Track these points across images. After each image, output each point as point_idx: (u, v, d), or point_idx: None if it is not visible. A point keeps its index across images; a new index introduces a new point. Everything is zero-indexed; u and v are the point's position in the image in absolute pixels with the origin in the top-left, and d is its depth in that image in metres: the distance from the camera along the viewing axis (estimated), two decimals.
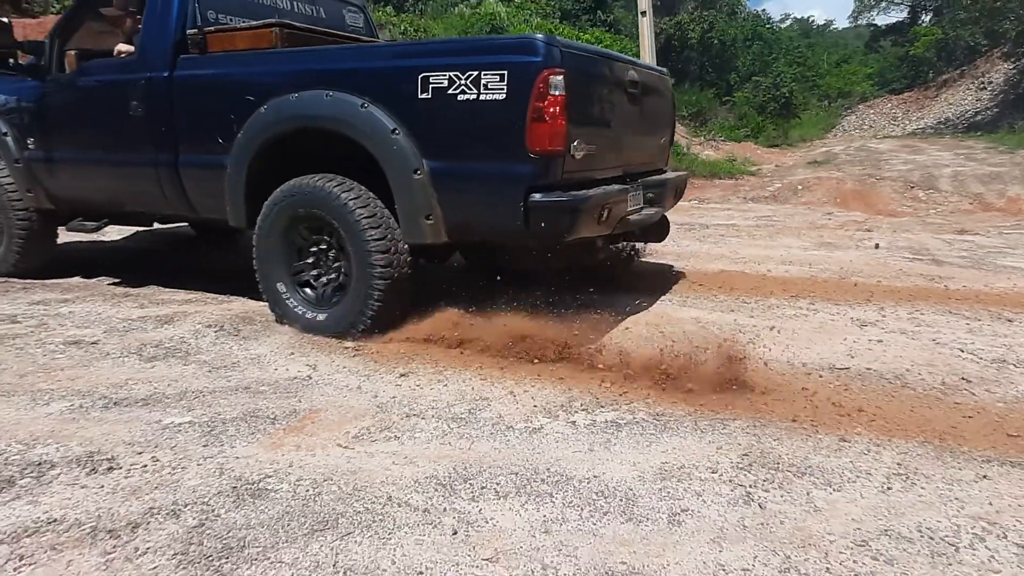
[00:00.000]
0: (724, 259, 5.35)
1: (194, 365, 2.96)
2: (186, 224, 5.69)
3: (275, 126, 3.35)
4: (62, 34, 4.22)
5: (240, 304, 3.87)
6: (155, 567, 1.60)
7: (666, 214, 4.27)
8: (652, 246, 4.85)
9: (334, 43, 3.95)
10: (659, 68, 4.59)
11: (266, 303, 3.53)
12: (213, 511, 1.83)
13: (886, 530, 1.75)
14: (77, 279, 4.51)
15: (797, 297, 4.15)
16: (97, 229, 4.44)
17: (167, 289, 4.23)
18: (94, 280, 4.48)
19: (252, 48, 3.59)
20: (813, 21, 52.34)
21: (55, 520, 1.78)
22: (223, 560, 1.62)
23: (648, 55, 14.30)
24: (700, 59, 29.31)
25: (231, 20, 3.91)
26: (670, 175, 4.33)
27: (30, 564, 1.61)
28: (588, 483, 1.99)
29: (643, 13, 14.06)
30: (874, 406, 2.52)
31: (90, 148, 4.13)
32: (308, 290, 3.43)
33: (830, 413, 2.45)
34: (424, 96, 2.98)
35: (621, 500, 1.90)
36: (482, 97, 2.87)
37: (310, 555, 1.65)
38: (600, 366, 2.92)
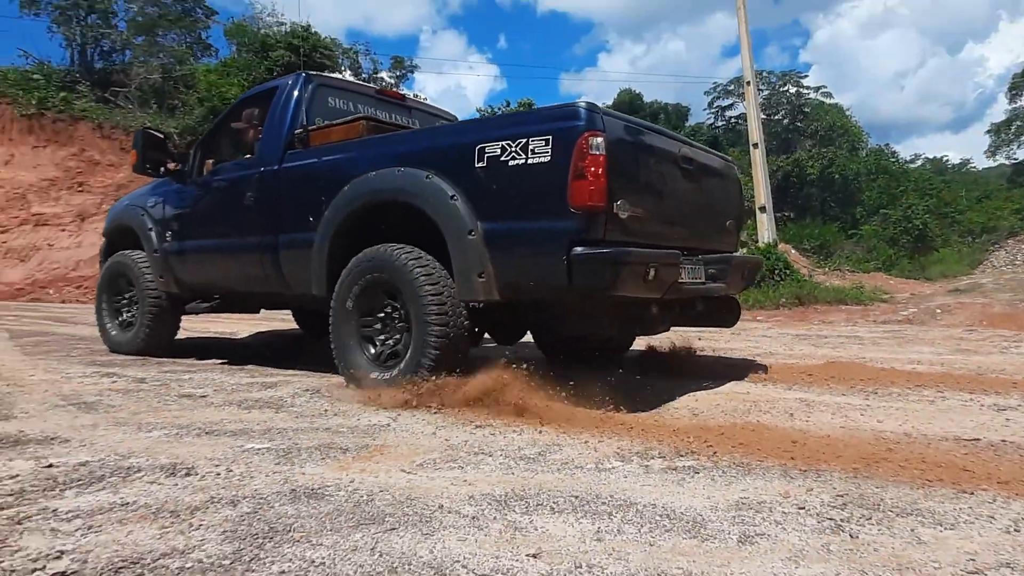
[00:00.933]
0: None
1: (284, 413, 3.09)
2: (296, 325, 6.24)
3: (354, 201, 3.72)
4: (202, 146, 4.98)
5: (340, 379, 4.04)
6: (203, 539, 1.61)
7: (736, 297, 4.23)
8: (759, 347, 4.67)
9: None
10: (724, 155, 4.65)
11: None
12: (268, 503, 1.85)
13: (1008, 563, 1.44)
14: (192, 359, 4.94)
15: (923, 387, 3.74)
16: (210, 309, 4.99)
17: (277, 369, 4.51)
18: (208, 361, 4.88)
19: (343, 139, 4.09)
20: (948, 160, 50.54)
21: (127, 504, 1.86)
22: (266, 539, 1.61)
23: (762, 187, 14.40)
24: (821, 194, 28.96)
25: None
26: (736, 255, 4.21)
27: (96, 532, 1.68)
28: (653, 508, 1.82)
29: (755, 145, 14.33)
30: (1008, 471, 2.15)
31: (210, 237, 4.71)
32: (374, 351, 3.63)
33: (951, 471, 2.12)
34: (480, 165, 3.23)
35: (687, 522, 1.71)
36: (530, 161, 3.07)
37: (351, 541, 1.60)
38: (685, 429, 2.74)
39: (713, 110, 39.79)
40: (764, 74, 35.41)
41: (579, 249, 2.94)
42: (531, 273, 3.17)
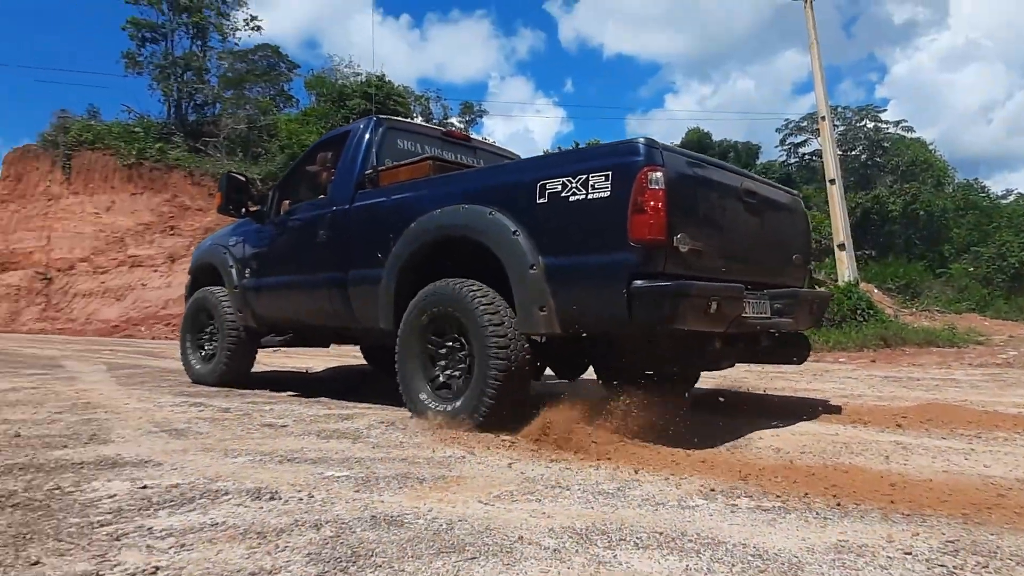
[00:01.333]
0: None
1: (361, 443, 3.13)
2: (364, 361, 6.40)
3: (421, 236, 3.82)
4: (280, 188, 5.25)
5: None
6: (288, 560, 1.64)
7: (804, 334, 4.13)
8: (844, 389, 4.45)
9: None
10: (790, 190, 4.56)
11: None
12: (350, 528, 1.86)
13: None
14: (271, 391, 5.10)
15: None
16: (284, 343, 5.21)
17: (351, 402, 4.60)
18: (286, 393, 5.02)
19: (411, 179, 4.22)
20: None
21: (216, 524, 1.92)
22: (350, 563, 1.62)
23: (840, 223, 13.90)
24: (904, 231, 27.64)
25: None
26: (805, 291, 4.10)
27: (188, 550, 1.73)
28: (743, 547, 1.73)
29: (831, 181, 13.90)
30: None
31: (285, 273, 4.92)
32: (438, 383, 3.69)
33: None
34: (541, 201, 3.28)
35: (783, 563, 1.62)
36: (590, 196, 3.10)
37: (432, 568, 1.59)
38: (771, 468, 2.62)
39: (785, 147, 39.00)
40: (839, 109, 34.51)
41: (639, 282, 2.92)
42: (591, 306, 3.15)
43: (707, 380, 5.54)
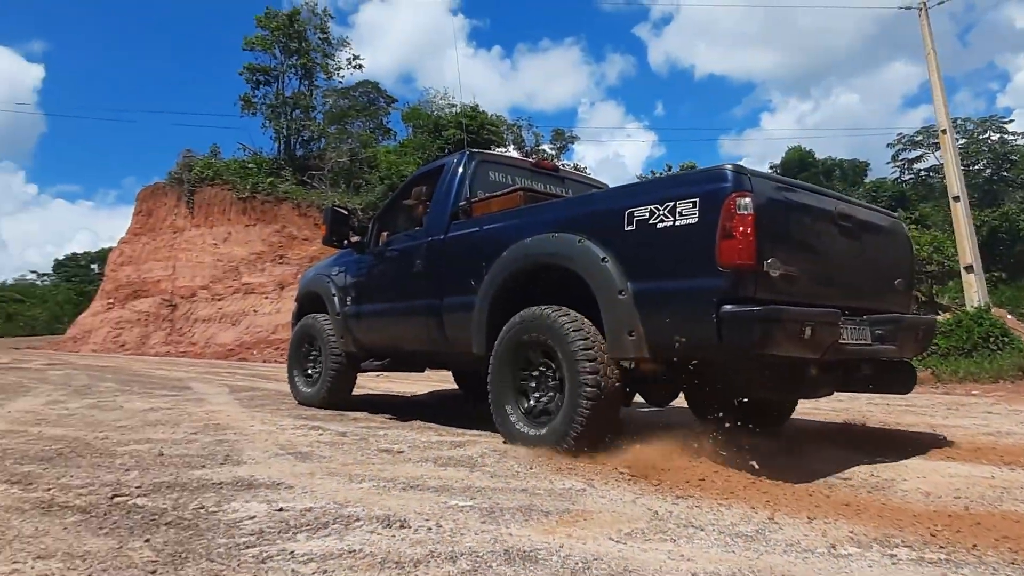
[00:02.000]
0: None
1: (479, 472, 3.13)
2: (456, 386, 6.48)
3: (512, 264, 3.92)
4: (378, 220, 5.48)
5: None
6: None
7: (911, 362, 4.01)
8: (987, 425, 4.06)
9: None
10: (890, 212, 4.44)
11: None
12: (486, 563, 1.84)
13: None
14: (384, 416, 5.22)
15: None
16: (382, 368, 5.40)
17: (459, 428, 4.62)
18: (395, 418, 5.12)
19: (502, 209, 4.34)
20: None
21: (353, 551, 1.95)
22: None
23: (967, 244, 12.89)
24: None
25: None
26: (908, 316, 3.90)
27: None
28: None
29: (955, 198, 12.94)
30: None
31: (384, 301, 5.16)
32: (529, 407, 3.77)
33: None
34: (629, 228, 3.33)
35: None
36: (678, 223, 3.12)
37: None
38: (925, 515, 2.39)
39: (898, 163, 36.77)
40: (959, 121, 32.30)
41: (728, 307, 2.89)
42: (680, 331, 3.12)
43: (831, 413, 5.23)
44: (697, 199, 3.07)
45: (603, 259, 3.38)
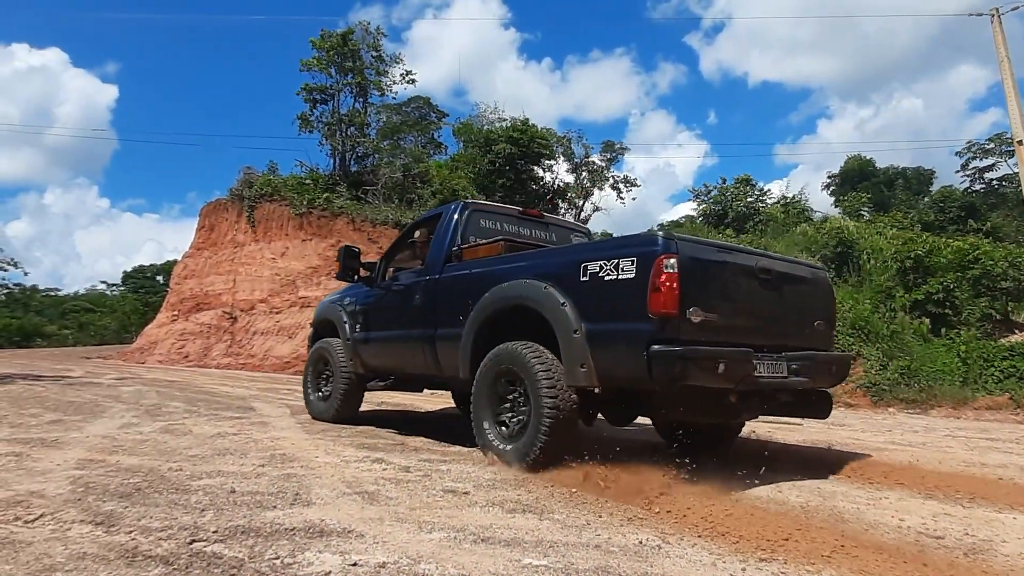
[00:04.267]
0: None
1: (548, 521, 3.07)
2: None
3: (492, 304, 4.65)
4: (387, 256, 6.32)
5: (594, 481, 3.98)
6: None
7: (827, 392, 4.65)
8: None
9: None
10: (814, 264, 5.27)
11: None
12: None
13: None
14: (423, 440, 5.42)
15: None
16: (386, 388, 6.15)
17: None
18: (438, 445, 5.15)
19: (486, 256, 5.12)
20: None
21: None
22: None
23: None
24: None
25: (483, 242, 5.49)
26: (823, 353, 4.51)
27: None
28: None
29: None
30: None
31: (387, 329, 5.94)
32: (502, 427, 4.44)
33: None
34: (584, 279, 4.03)
35: None
36: (620, 277, 3.82)
37: None
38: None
39: (968, 172, 35.17)
40: None
41: (656, 347, 3.57)
42: (620, 365, 3.83)
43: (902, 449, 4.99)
44: (635, 259, 3.77)
45: (563, 303, 4.08)
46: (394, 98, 33.51)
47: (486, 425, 4.49)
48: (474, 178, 30.64)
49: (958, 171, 36.16)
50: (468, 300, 4.82)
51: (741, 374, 3.78)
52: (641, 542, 2.73)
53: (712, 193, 23.22)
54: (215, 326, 27.01)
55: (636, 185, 39.58)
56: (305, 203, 27.49)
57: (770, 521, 3.05)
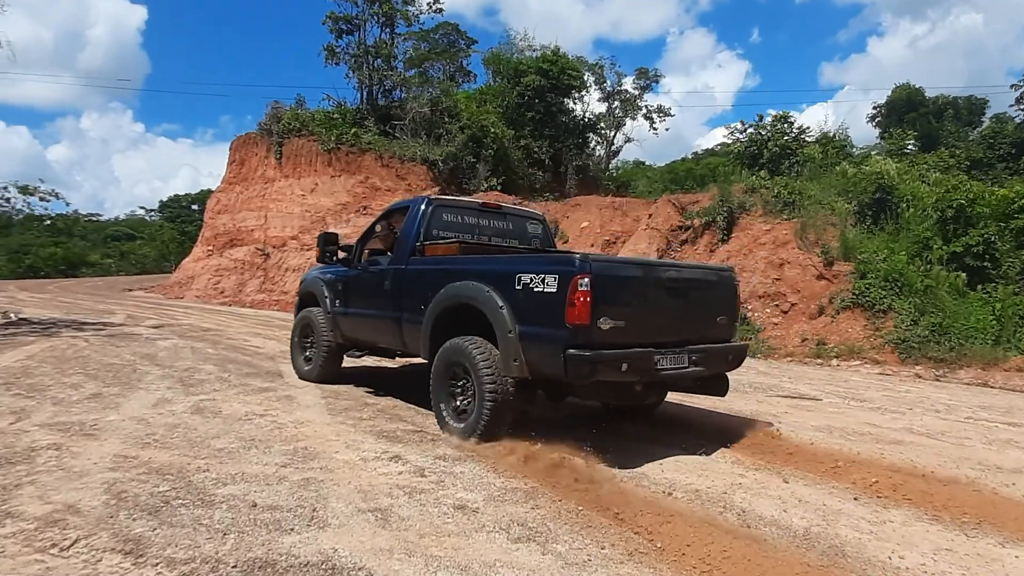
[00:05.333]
0: None
1: (551, 556, 3.19)
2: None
3: (446, 300, 5.48)
4: (361, 242, 7.10)
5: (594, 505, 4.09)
6: None
7: (725, 374, 5.59)
8: None
9: (494, 251, 6.43)
10: (721, 267, 6.44)
11: None
12: None
13: None
14: (349, 386, 6.87)
15: None
16: (361, 356, 7.22)
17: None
18: (359, 390, 5.27)
19: (444, 254, 6.00)
20: None
21: None
22: None
23: None
24: None
25: (446, 234, 6.39)
26: (721, 344, 5.43)
27: None
28: None
29: None
30: None
31: (361, 307, 6.84)
32: (455, 407, 5.28)
33: None
34: (518, 288, 4.80)
35: None
36: (545, 290, 4.60)
37: None
38: None
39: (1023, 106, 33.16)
40: None
41: (571, 351, 4.40)
42: (544, 362, 4.65)
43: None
44: (557, 276, 4.54)
45: (501, 306, 4.88)
46: (421, 27, 32.50)
47: (442, 407, 5.37)
48: (503, 112, 29.98)
49: (1012, 105, 34.11)
50: (428, 292, 5.64)
51: (643, 369, 4.66)
52: None
53: (748, 131, 22.34)
54: (248, 262, 27.55)
55: (670, 114, 38.35)
56: (333, 139, 27.33)
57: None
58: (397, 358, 7.36)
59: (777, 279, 15.34)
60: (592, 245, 19.88)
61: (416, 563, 3.05)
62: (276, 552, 3.10)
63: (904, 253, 14.11)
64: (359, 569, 2.97)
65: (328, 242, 7.16)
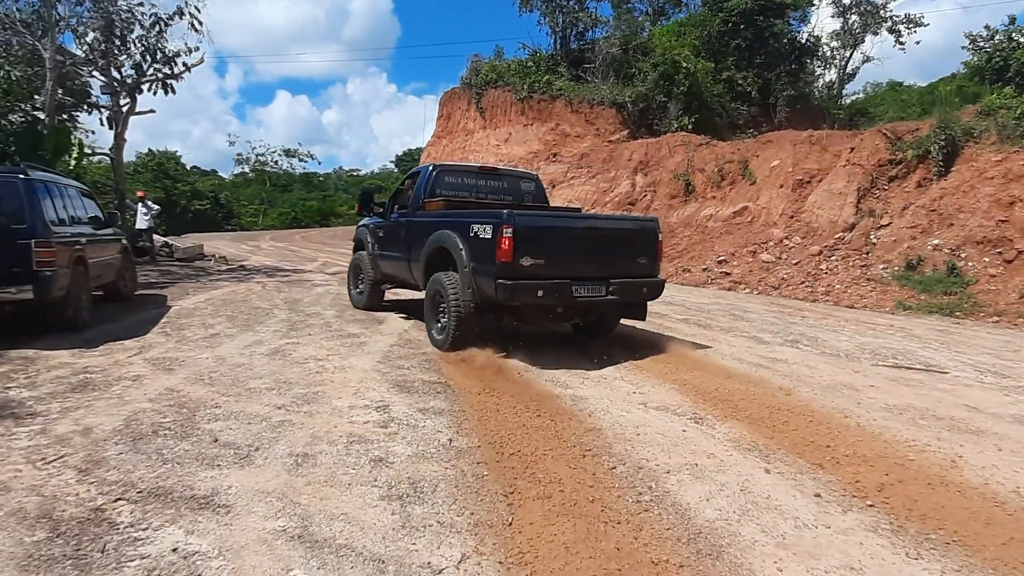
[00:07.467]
0: None
1: (397, 503, 3.21)
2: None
3: (432, 244, 7.30)
4: (394, 197, 9.22)
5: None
6: None
7: (643, 304, 7.33)
8: None
9: (471, 207, 7.99)
10: (645, 217, 9.13)
11: None
12: None
13: None
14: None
15: None
16: (389, 289, 9.47)
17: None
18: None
19: (435, 209, 7.91)
20: None
21: None
22: None
23: None
24: None
25: (448, 193, 8.22)
26: (638, 280, 6.91)
27: None
28: None
29: None
30: None
31: (391, 250, 8.71)
32: (438, 323, 7.03)
33: None
34: (471, 234, 6.58)
35: None
36: (483, 236, 6.40)
37: None
38: None
39: None
40: None
41: (499, 280, 6.13)
42: (485, 289, 6.36)
43: None
44: (491, 225, 6.26)
45: (461, 249, 6.69)
46: None
47: (430, 322, 7.18)
48: (705, 42, 27.73)
49: None
50: (424, 238, 7.49)
51: (559, 295, 6.31)
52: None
53: (994, 39, 17.91)
54: None
55: (922, 24, 32.14)
56: (526, 87, 27.78)
57: None
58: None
59: (1003, 221, 12.60)
60: (781, 186, 17.95)
61: (274, 505, 3.28)
62: (183, 484, 3.54)
63: None
64: (226, 507, 3.28)
65: (366, 197, 9.58)
